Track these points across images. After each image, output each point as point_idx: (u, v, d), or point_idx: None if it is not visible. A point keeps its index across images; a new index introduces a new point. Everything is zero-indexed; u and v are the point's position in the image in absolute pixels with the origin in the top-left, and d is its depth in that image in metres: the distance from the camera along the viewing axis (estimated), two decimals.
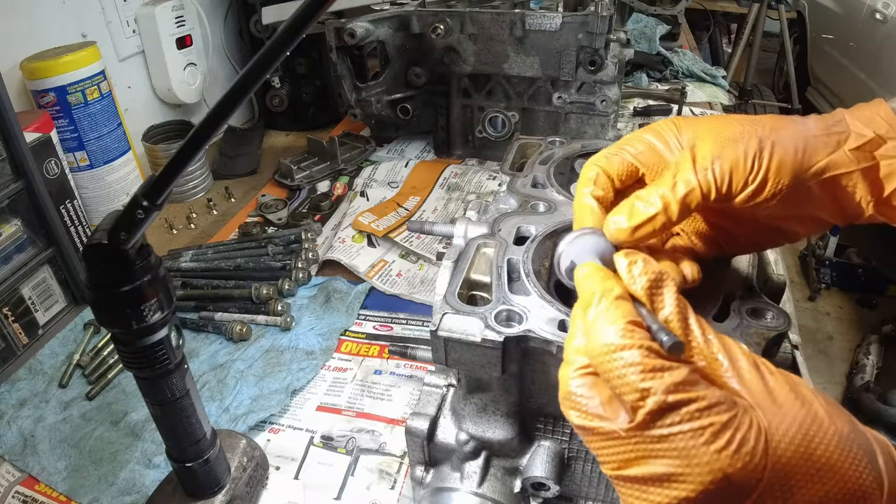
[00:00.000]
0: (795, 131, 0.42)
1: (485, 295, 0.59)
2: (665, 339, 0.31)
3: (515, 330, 0.49)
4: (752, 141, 0.41)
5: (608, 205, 0.44)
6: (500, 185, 1.32)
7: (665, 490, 0.30)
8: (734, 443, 0.29)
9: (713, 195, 0.41)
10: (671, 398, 0.30)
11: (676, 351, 0.31)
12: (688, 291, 0.39)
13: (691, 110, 1.75)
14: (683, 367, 0.31)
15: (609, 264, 0.40)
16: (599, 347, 0.32)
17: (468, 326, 0.50)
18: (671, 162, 0.45)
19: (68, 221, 1.02)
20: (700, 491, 0.30)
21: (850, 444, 0.32)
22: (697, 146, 0.42)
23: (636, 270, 0.36)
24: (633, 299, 0.36)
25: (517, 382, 0.54)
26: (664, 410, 0.30)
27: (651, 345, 0.32)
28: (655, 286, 0.35)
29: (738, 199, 0.41)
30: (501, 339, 0.49)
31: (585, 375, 0.34)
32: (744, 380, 0.32)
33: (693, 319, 0.35)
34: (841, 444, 0.31)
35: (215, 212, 1.35)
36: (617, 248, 0.42)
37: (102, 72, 1.22)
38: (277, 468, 0.77)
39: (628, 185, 0.46)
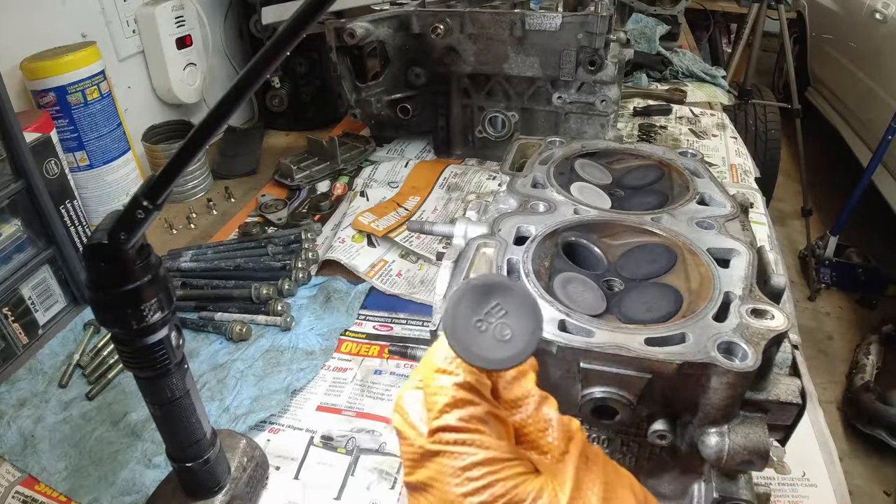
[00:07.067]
0: None
1: None
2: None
3: None
4: None
5: None
6: (500, 185, 1.32)
7: (421, 497, 0.34)
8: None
9: None
10: (455, 422, 0.33)
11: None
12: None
13: (691, 110, 1.75)
14: (484, 404, 0.34)
15: None
16: (428, 366, 0.36)
17: None
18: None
19: (68, 221, 1.02)
20: None
21: None
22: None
23: None
24: None
25: None
26: (442, 431, 0.33)
27: (467, 379, 0.34)
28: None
29: None
30: None
31: (417, 389, 0.37)
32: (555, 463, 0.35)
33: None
34: None
35: (215, 212, 1.35)
36: None
37: (102, 72, 1.22)
38: (277, 468, 0.77)
39: None
